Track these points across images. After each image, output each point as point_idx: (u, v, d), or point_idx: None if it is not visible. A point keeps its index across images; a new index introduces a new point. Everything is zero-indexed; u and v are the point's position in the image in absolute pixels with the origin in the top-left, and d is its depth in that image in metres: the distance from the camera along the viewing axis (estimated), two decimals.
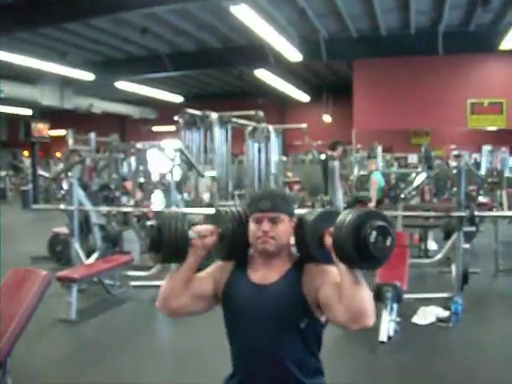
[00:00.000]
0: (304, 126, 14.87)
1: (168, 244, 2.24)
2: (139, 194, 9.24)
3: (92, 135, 12.58)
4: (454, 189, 7.55)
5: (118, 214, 8.96)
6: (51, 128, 19.73)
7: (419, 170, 11.45)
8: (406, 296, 5.81)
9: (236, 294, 2.31)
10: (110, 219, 8.74)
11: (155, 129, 25.36)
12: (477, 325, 6.07)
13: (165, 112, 23.02)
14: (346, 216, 2.01)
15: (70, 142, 13.38)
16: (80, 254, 7.59)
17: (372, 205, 9.59)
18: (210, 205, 10.34)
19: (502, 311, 6.71)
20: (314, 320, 2.24)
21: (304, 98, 22.42)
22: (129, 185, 10.12)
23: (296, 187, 16.58)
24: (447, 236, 6.99)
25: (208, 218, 2.47)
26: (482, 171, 14.38)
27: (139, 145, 9.29)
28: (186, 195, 11.46)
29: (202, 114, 12.61)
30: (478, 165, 16.67)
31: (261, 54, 14.09)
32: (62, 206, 7.94)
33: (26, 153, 24.35)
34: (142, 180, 9.67)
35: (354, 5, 11.75)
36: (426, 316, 5.99)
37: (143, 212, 8.61)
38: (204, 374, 4.43)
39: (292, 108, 24.41)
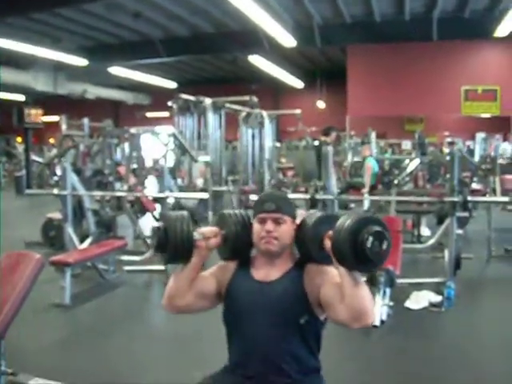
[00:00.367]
0: (298, 111, 14.86)
1: (173, 245, 2.32)
2: (133, 180, 9.23)
3: (85, 120, 12.52)
4: (448, 175, 7.56)
5: (111, 199, 8.94)
6: (44, 114, 19.67)
7: (413, 156, 11.45)
8: (399, 281, 5.83)
9: (238, 290, 2.40)
10: (104, 204, 8.72)
11: (149, 115, 25.30)
12: (469, 309, 6.11)
13: (158, 98, 22.98)
14: (344, 221, 2.12)
15: (64, 127, 13.32)
16: (74, 239, 7.58)
17: (365, 190, 9.61)
18: (203, 190, 10.35)
19: (494, 296, 6.73)
20: (313, 317, 2.33)
21: (298, 84, 22.41)
22: (122, 170, 10.10)
23: (290, 173, 16.60)
24: (440, 221, 7.01)
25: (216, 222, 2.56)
26: (476, 158, 14.39)
27: (133, 130, 9.27)
28: (179, 181, 11.47)
29: (196, 100, 12.59)
30: (471, 152, 16.69)
31: (255, 40, 14.05)
32: (56, 191, 7.92)
33: (19, 139, 24.28)
34: (135, 166, 9.67)
35: None
36: (418, 301, 6.01)
37: (137, 197, 8.60)
38: (198, 358, 4.45)
39: (286, 94, 24.38)
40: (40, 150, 23.29)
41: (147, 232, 8.11)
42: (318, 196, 6.78)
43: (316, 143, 10.77)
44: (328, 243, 2.19)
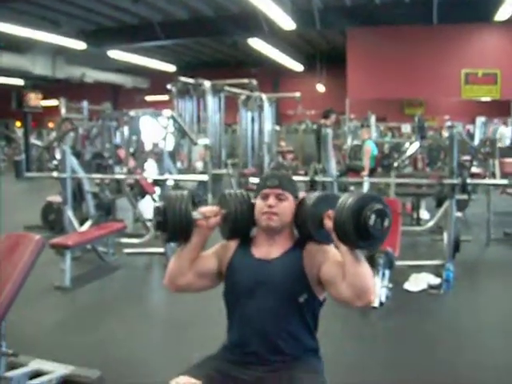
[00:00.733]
0: (297, 94, 14.84)
1: (173, 224, 2.35)
2: (132, 162, 9.22)
3: (85, 103, 12.52)
4: (447, 159, 7.56)
5: (111, 182, 8.94)
6: (44, 98, 19.64)
7: (412, 139, 11.45)
8: (398, 263, 5.85)
9: (239, 268, 2.42)
10: (103, 187, 8.72)
11: (148, 98, 25.23)
12: (468, 291, 6.14)
13: (157, 81, 22.85)
14: (346, 199, 2.15)
15: (63, 110, 13.30)
16: (73, 222, 7.58)
17: (365, 173, 9.60)
18: (202, 173, 10.36)
19: (492, 279, 6.74)
20: (312, 296, 2.35)
21: (297, 67, 22.33)
22: (122, 153, 10.10)
23: (289, 156, 16.62)
24: (439, 204, 7.01)
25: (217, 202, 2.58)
26: (476, 143, 14.36)
27: (132, 112, 9.25)
28: (179, 164, 11.47)
29: (195, 83, 12.56)
30: (471, 136, 16.67)
31: (254, 23, 13.95)
32: (55, 174, 7.92)
33: (18, 123, 24.22)
34: (134, 149, 9.66)
35: None
36: (417, 283, 6.03)
37: (136, 180, 8.60)
38: (197, 339, 4.46)
39: (285, 77, 24.26)
40: (39, 134, 23.25)
41: (147, 215, 8.12)
42: (318, 178, 6.79)
43: (315, 127, 10.77)
44: (328, 222, 2.22)
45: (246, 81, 13.15)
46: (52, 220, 8.91)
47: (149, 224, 7.90)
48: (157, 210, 2.38)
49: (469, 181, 6.34)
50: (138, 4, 13.28)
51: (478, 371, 4.02)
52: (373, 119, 14.24)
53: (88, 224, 7.73)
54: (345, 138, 14.41)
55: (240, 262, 2.43)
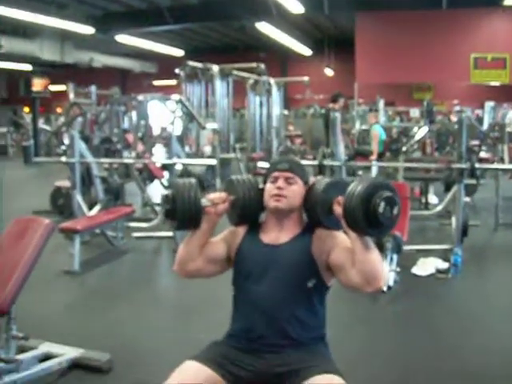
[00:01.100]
0: (306, 79, 14.78)
1: (182, 212, 2.34)
2: (141, 147, 9.24)
3: (93, 88, 12.49)
4: (456, 144, 7.54)
5: (119, 167, 8.97)
6: (52, 83, 19.62)
7: (421, 124, 11.41)
8: (407, 247, 5.86)
9: (248, 254, 2.43)
10: (112, 172, 8.75)
11: (156, 83, 25.18)
12: (476, 276, 6.15)
13: (165, 66, 22.76)
14: (355, 187, 2.14)
15: (71, 95, 13.30)
16: (82, 207, 7.61)
17: (373, 158, 9.59)
18: (211, 157, 10.37)
19: (500, 263, 6.75)
20: (321, 282, 2.36)
21: (306, 51, 22.18)
22: (130, 138, 10.11)
23: (298, 141, 16.61)
24: (448, 188, 7.02)
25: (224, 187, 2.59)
26: (485, 127, 14.30)
27: (140, 97, 9.25)
28: (187, 148, 11.47)
29: (204, 67, 12.53)
30: (480, 120, 16.58)
31: (263, 7, 13.87)
32: (64, 159, 7.95)
33: (26, 109, 24.24)
34: (142, 133, 9.68)
35: None
36: (425, 267, 6.03)
37: (145, 164, 8.62)
38: (206, 324, 4.47)
39: (293, 62, 24.11)
40: (47, 120, 23.26)
41: (155, 199, 8.14)
42: (326, 162, 6.79)
43: (324, 111, 10.75)
44: (337, 208, 2.23)
45: (254, 65, 13.10)
46: (61, 205, 8.96)
47: (157, 208, 7.92)
48: (165, 199, 2.38)
49: (477, 165, 6.34)
50: None
51: (485, 355, 4.02)
52: (381, 104, 14.19)
53: (97, 208, 7.76)
54: (353, 122, 14.37)
55: (249, 248, 2.44)
